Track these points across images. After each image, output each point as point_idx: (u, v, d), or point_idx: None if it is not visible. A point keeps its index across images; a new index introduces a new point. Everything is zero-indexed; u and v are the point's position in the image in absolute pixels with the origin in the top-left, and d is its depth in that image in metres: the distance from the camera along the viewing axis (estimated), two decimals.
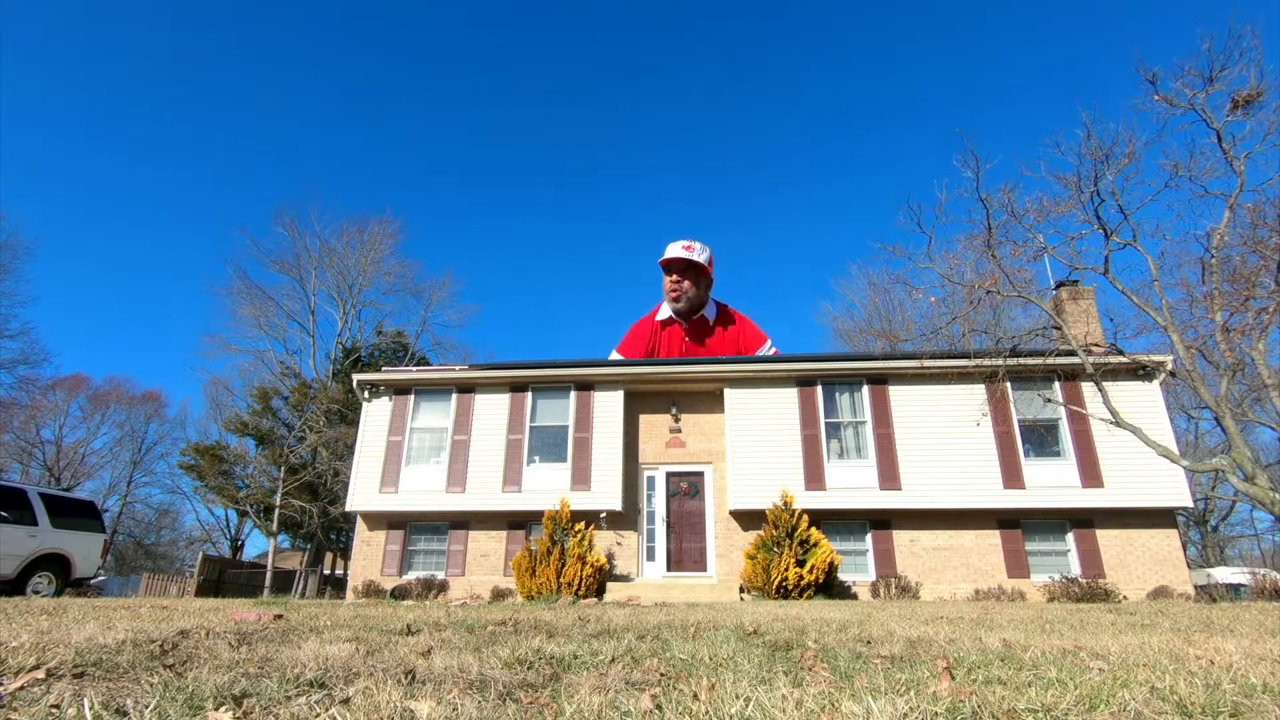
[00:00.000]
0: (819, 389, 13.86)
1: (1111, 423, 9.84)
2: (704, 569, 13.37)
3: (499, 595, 12.37)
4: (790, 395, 13.82)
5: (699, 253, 3.51)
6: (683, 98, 76.44)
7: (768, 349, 3.47)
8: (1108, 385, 10.72)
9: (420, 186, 72.19)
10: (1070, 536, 12.83)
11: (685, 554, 13.52)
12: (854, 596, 12.15)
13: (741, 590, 11.86)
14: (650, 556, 13.52)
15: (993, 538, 12.85)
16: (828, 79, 77.96)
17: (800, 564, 10.86)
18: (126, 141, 63.96)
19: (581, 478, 13.65)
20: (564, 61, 76.15)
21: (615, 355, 3.11)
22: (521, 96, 76.21)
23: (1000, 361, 11.32)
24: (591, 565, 11.23)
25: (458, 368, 16.26)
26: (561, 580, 11.05)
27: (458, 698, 1.20)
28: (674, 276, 3.58)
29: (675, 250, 3.61)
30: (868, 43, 76.20)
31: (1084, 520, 12.77)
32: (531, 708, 1.17)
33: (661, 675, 1.51)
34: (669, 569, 13.35)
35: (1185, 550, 13.86)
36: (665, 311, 3.49)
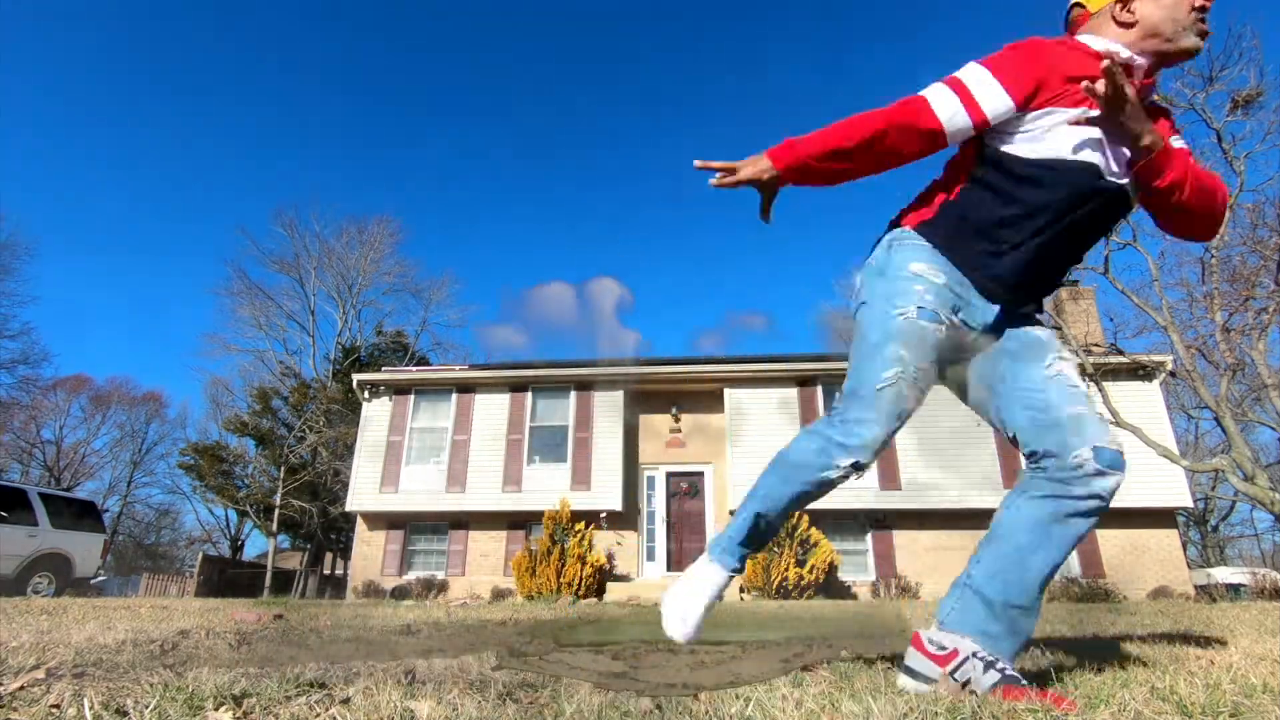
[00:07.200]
0: (819, 389, 13.87)
1: (1111, 423, 9.84)
2: None
3: (499, 595, 12.38)
4: (790, 395, 13.83)
5: None
6: (687, 98, 76.66)
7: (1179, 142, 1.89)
8: (1108, 385, 10.72)
9: (421, 186, 72.21)
10: None
11: (685, 554, 13.53)
12: (854, 596, 12.16)
13: (741, 590, 11.87)
14: (650, 556, 13.53)
15: None
16: (825, 77, 78.24)
17: (800, 564, 10.87)
18: (127, 141, 64.02)
19: (581, 478, 13.66)
20: (565, 61, 76.35)
21: (977, 68, 1.52)
22: (522, 95, 76.34)
23: None
24: (591, 565, 11.24)
25: (457, 368, 16.28)
26: (561, 580, 11.05)
27: (458, 698, 1.20)
28: None
29: None
30: (865, 41, 76.40)
31: None
32: (531, 708, 1.17)
33: None
34: (669, 569, 13.35)
35: (1185, 550, 13.87)
36: (1122, 51, 1.69)
